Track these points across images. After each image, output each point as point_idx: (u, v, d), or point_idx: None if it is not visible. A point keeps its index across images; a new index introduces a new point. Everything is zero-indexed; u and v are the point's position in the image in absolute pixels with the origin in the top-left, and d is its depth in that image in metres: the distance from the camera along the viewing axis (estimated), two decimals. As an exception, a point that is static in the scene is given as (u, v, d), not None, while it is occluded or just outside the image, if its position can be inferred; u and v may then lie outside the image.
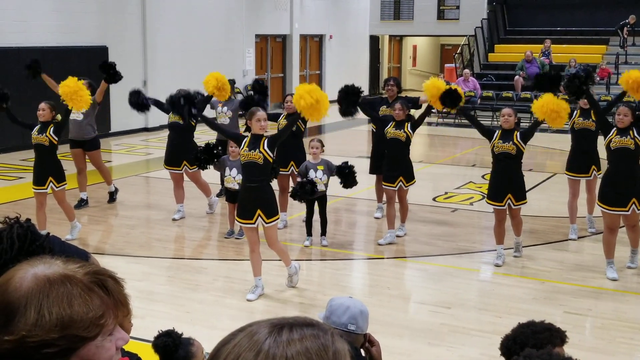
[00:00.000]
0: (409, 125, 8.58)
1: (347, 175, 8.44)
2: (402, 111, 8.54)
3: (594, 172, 8.84)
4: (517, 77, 21.23)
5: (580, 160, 8.87)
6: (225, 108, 10.32)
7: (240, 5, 21.01)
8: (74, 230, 8.75)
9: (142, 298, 6.62)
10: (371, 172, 9.73)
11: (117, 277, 1.41)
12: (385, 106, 9.46)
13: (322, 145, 8.64)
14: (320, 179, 8.38)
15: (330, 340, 1.23)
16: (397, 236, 8.88)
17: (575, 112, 8.79)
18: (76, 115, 9.79)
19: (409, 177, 8.70)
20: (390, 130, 8.62)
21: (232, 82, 10.81)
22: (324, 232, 8.68)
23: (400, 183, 8.66)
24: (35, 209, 8.43)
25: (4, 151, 14.48)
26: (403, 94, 9.83)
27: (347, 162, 8.59)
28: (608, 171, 7.61)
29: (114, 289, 1.38)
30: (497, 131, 7.93)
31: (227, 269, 7.83)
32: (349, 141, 16.76)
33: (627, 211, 7.43)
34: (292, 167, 9.16)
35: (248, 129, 7.31)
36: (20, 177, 12.47)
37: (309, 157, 8.67)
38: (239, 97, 11.65)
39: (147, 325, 5.36)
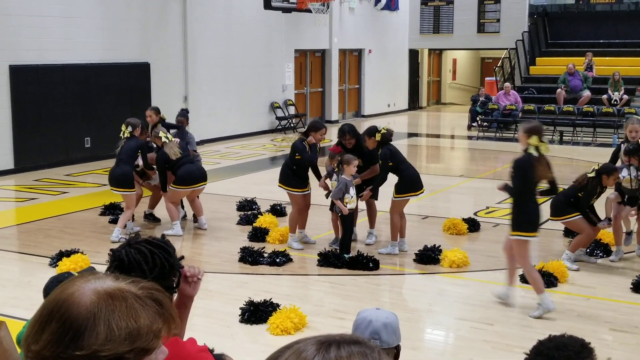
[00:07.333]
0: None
1: None
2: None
3: None
4: (559, 90, 20.98)
5: None
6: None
7: (279, 21, 21.16)
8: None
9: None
10: None
11: (164, 291, 1.43)
12: None
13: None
14: (352, 197, 8.34)
15: (377, 358, 1.22)
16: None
17: None
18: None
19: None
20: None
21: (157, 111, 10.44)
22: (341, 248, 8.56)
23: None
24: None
25: (49, 166, 14.74)
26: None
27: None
28: None
29: (165, 303, 1.41)
30: None
31: (268, 283, 7.82)
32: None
33: None
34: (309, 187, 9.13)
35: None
36: (64, 192, 12.67)
37: (345, 175, 8.38)
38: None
39: (188, 340, 5.37)
